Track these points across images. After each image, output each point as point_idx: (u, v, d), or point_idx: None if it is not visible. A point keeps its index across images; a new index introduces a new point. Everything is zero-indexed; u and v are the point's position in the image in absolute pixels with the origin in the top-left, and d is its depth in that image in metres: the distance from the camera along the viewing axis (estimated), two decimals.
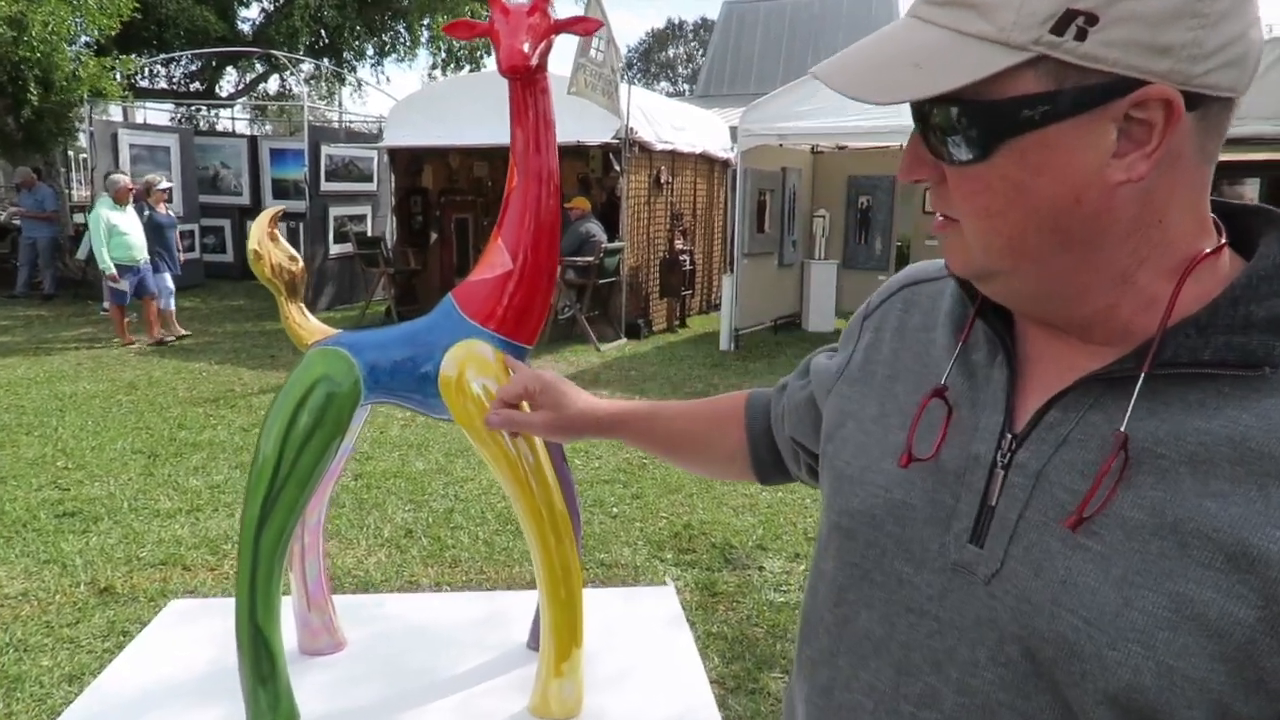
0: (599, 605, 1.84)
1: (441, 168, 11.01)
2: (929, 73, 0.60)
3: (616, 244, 8.97)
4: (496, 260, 1.50)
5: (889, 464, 0.73)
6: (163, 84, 17.06)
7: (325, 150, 10.85)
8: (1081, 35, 0.56)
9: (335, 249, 11.07)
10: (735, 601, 3.49)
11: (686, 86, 41.95)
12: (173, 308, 8.90)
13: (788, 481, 1.04)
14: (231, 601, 1.49)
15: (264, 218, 1.65)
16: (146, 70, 15.63)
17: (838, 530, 0.76)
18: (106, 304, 9.75)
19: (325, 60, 16.61)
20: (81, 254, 11.50)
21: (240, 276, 12.88)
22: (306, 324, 1.64)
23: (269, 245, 1.59)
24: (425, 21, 16.29)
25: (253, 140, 13.66)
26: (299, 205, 10.97)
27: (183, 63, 16.18)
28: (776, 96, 8.33)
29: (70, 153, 15.12)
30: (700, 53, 40.61)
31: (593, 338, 8.76)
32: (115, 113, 14.02)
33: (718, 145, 10.91)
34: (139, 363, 7.88)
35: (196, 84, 17.23)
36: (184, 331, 8.86)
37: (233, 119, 17.51)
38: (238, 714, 1.55)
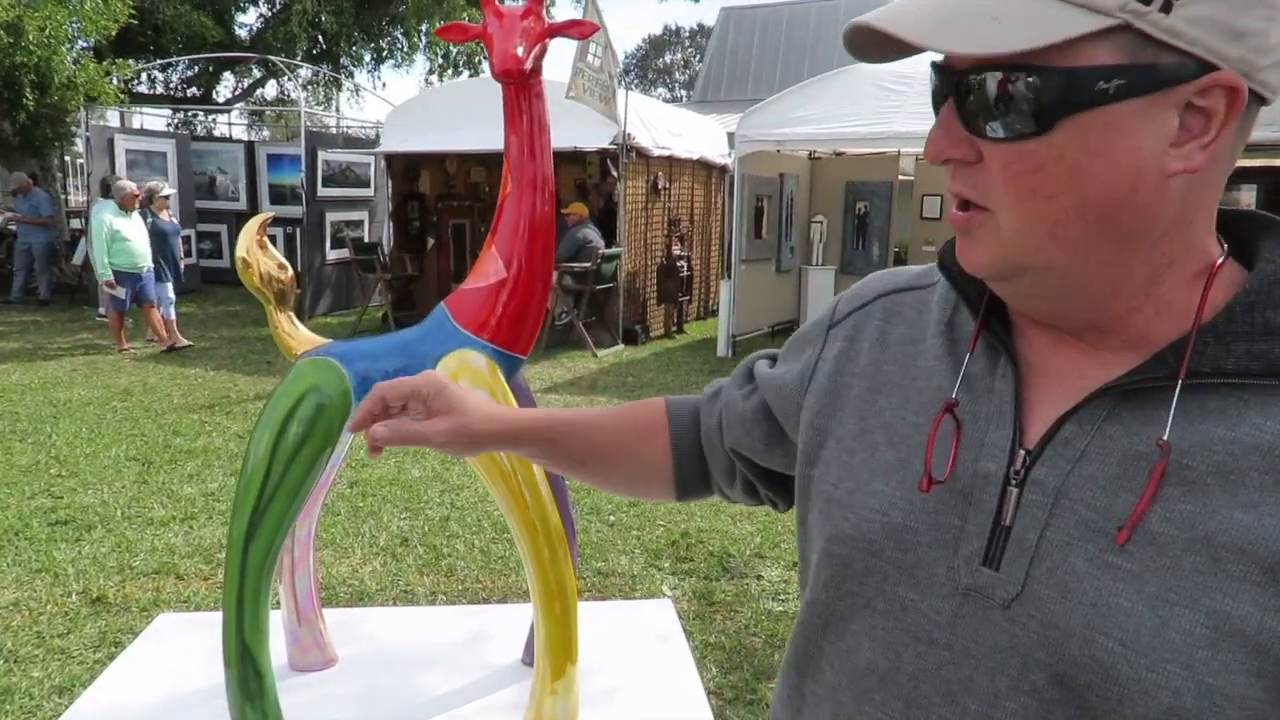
0: (596, 619, 1.81)
1: (438, 173, 10.99)
2: (1007, 29, 0.55)
3: (614, 250, 8.95)
4: (490, 268, 1.47)
5: (880, 485, 0.69)
6: (160, 89, 17.04)
7: (322, 156, 10.83)
8: (1167, 7, 0.53)
9: (332, 255, 11.04)
10: (733, 611, 3.46)
11: (684, 92, 42.01)
12: (174, 316, 8.85)
13: (706, 497, 0.96)
14: (218, 615, 1.45)
15: (252, 225, 1.62)
16: (144, 75, 15.61)
17: (830, 558, 0.71)
18: (102, 309, 9.71)
19: (323, 66, 16.60)
20: (77, 259, 11.46)
21: (237, 282, 12.81)
22: (296, 333, 1.61)
23: (258, 253, 1.56)
24: (422, 27, 16.28)
25: (250, 146, 13.63)
26: (296, 211, 10.95)
27: (180, 68, 16.17)
28: (774, 102, 8.32)
29: (67, 158, 15.11)
30: (697, 59, 40.68)
31: (590, 343, 8.73)
32: (112, 118, 13.99)
33: (715, 151, 10.91)
34: (134, 369, 7.84)
35: (194, 89, 17.21)
36: (187, 341, 8.80)
37: (230, 124, 17.47)
38: None
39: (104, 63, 11.02)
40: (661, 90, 44.90)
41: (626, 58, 45.33)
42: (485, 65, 16.37)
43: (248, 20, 17.31)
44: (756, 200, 9.23)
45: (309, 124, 11.89)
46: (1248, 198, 9.03)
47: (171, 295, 8.87)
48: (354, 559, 3.93)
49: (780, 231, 9.84)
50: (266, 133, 20.58)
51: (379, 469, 5.13)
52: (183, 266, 9.36)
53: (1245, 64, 0.54)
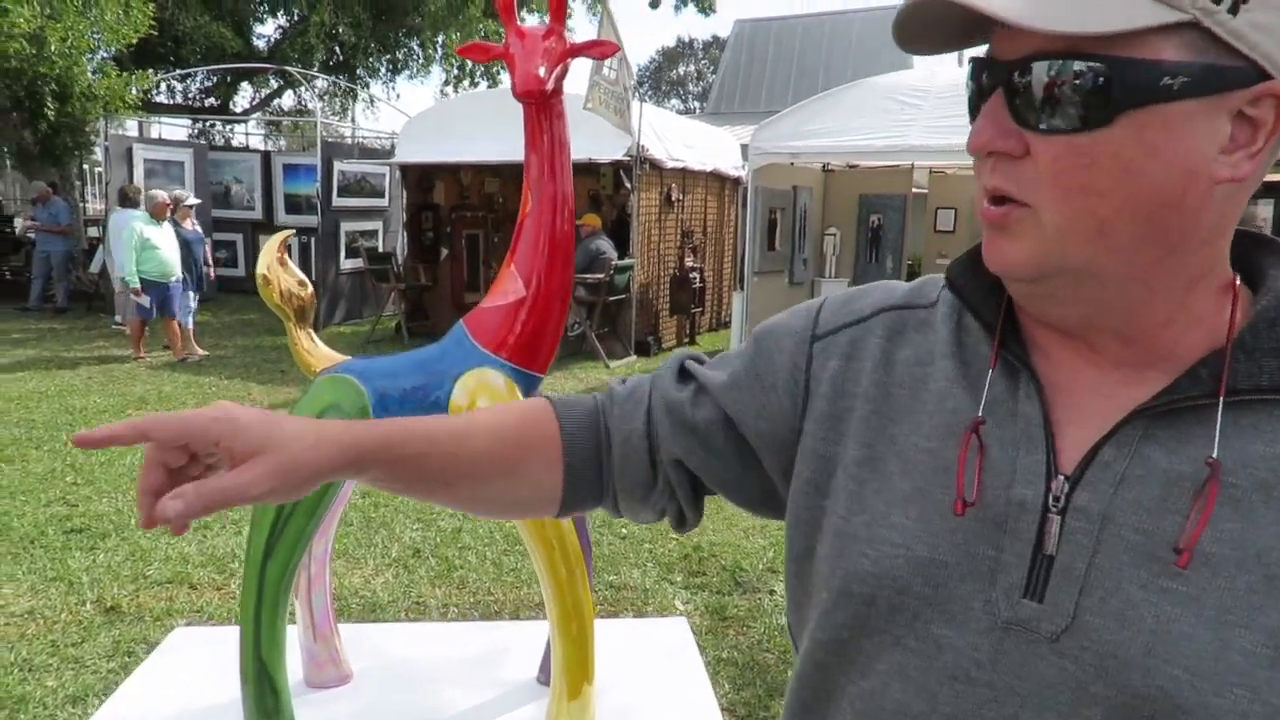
0: (611, 636, 1.80)
1: (453, 184, 11.04)
2: (1084, 9, 0.53)
3: (627, 261, 8.97)
4: (509, 287, 1.48)
5: (899, 517, 0.65)
6: (178, 99, 17.21)
7: (338, 166, 10.90)
8: (1234, 9, 0.53)
9: (347, 264, 11.10)
10: (746, 626, 3.44)
11: (697, 104, 42.12)
12: (191, 325, 8.90)
13: (588, 511, 0.82)
14: (236, 629, 1.46)
15: (273, 242, 1.63)
16: (162, 85, 15.77)
17: (849, 597, 0.66)
18: (119, 317, 9.78)
19: (339, 76, 16.73)
20: (95, 267, 11.56)
21: (252, 290, 12.89)
22: (315, 350, 1.61)
23: (278, 270, 1.57)
24: (438, 39, 16.40)
25: (266, 155, 13.74)
26: (311, 220, 11.01)
27: (198, 78, 16.32)
28: (788, 115, 8.33)
29: (85, 166, 15.25)
30: (710, 71, 40.80)
31: (602, 355, 8.73)
32: (131, 127, 14.14)
33: (729, 163, 10.92)
34: (149, 377, 7.90)
35: (212, 99, 17.37)
36: (203, 352, 8.84)
37: (246, 134, 17.63)
38: None
39: (124, 74, 11.14)
40: (675, 102, 45.04)
41: (640, 69, 45.51)
42: (501, 76, 16.49)
43: (266, 31, 17.50)
44: (770, 212, 9.23)
45: (325, 134, 11.98)
46: (1265, 213, 8.97)
47: (192, 304, 8.92)
48: (366, 570, 3.93)
49: (793, 244, 9.84)
50: (283, 142, 20.74)
51: None
52: (211, 274, 9.44)
53: None
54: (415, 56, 17.39)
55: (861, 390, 0.70)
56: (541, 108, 1.43)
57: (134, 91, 11.25)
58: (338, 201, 10.92)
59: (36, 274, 11.81)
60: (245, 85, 17.90)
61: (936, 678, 0.63)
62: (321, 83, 16.29)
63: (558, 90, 1.43)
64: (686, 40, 46.75)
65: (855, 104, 7.97)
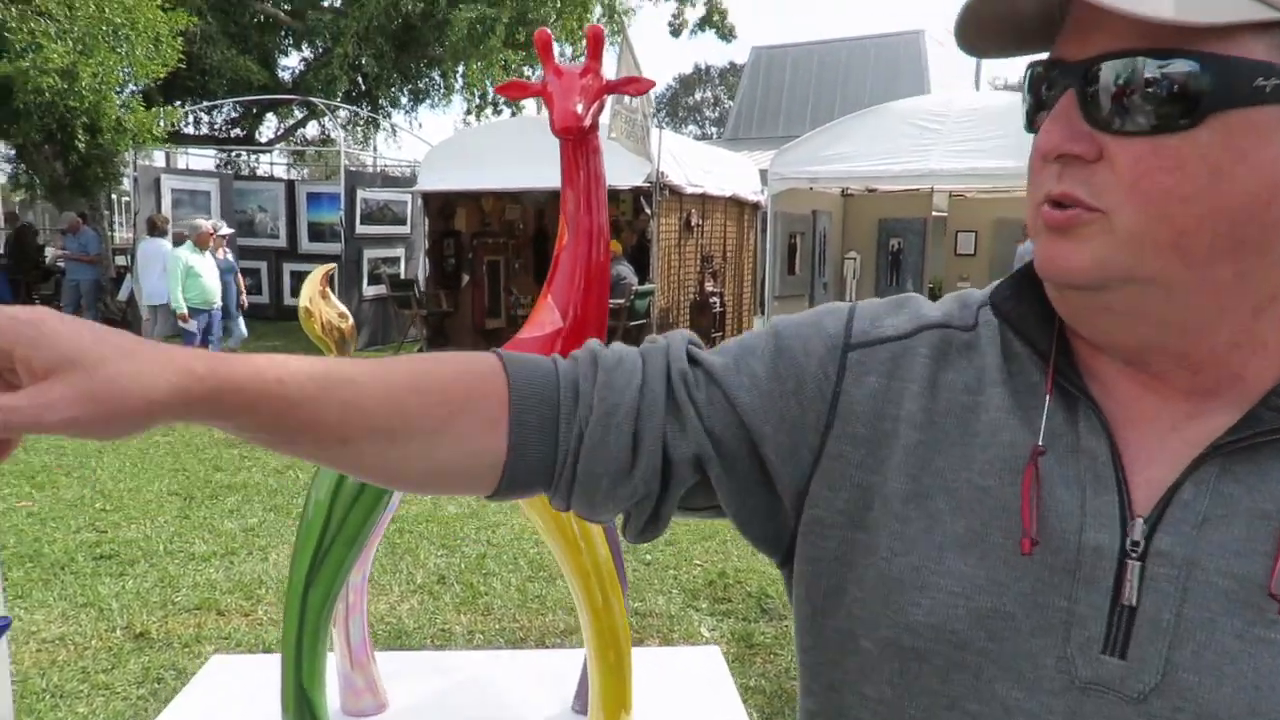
0: (644, 665, 1.80)
1: (474, 211, 11.16)
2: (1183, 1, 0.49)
3: (647, 286, 9.01)
4: (546, 318, 1.50)
5: (954, 561, 0.58)
6: (205, 130, 17.54)
7: (361, 194, 11.05)
8: None
9: (369, 291, 11.22)
10: (773, 654, 3.42)
11: (714, 130, 42.40)
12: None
13: (532, 495, 0.67)
14: (273, 657, 1.47)
15: (316, 275, 1.66)
16: (189, 116, 16.07)
17: (897, 651, 0.59)
18: None
19: (362, 106, 16.99)
20: (123, 295, 11.74)
21: (276, 317, 13.08)
22: None
23: (320, 303, 1.60)
24: (459, 68, 16.64)
25: (290, 185, 13.94)
26: (334, 248, 11.15)
27: (225, 110, 16.63)
28: (807, 140, 8.38)
29: (114, 196, 15.53)
30: (727, 97, 41.10)
31: None
32: (158, 158, 14.39)
33: (748, 188, 10.98)
34: None
35: (237, 130, 17.69)
36: None
37: (271, 164, 17.91)
38: None
39: (153, 107, 11.37)
40: (692, 128, 45.37)
41: (657, 96, 45.91)
42: (523, 105, 16.71)
43: (290, 63, 17.80)
44: (790, 237, 9.27)
45: (348, 163, 12.16)
46: None
47: (243, 331, 9.20)
48: (392, 596, 3.94)
49: (813, 268, 9.86)
50: (306, 171, 21.05)
51: (416, 505, 5.16)
52: (245, 303, 9.64)
53: None
54: (436, 86, 17.65)
55: (905, 415, 0.62)
56: (579, 144, 1.46)
57: (162, 124, 11.47)
58: (361, 229, 11.05)
59: (66, 302, 12.01)
60: (270, 116, 18.23)
61: None
62: (344, 113, 16.55)
63: (594, 126, 1.46)
64: (704, 67, 47.14)
65: (874, 128, 8.01)
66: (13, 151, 12.89)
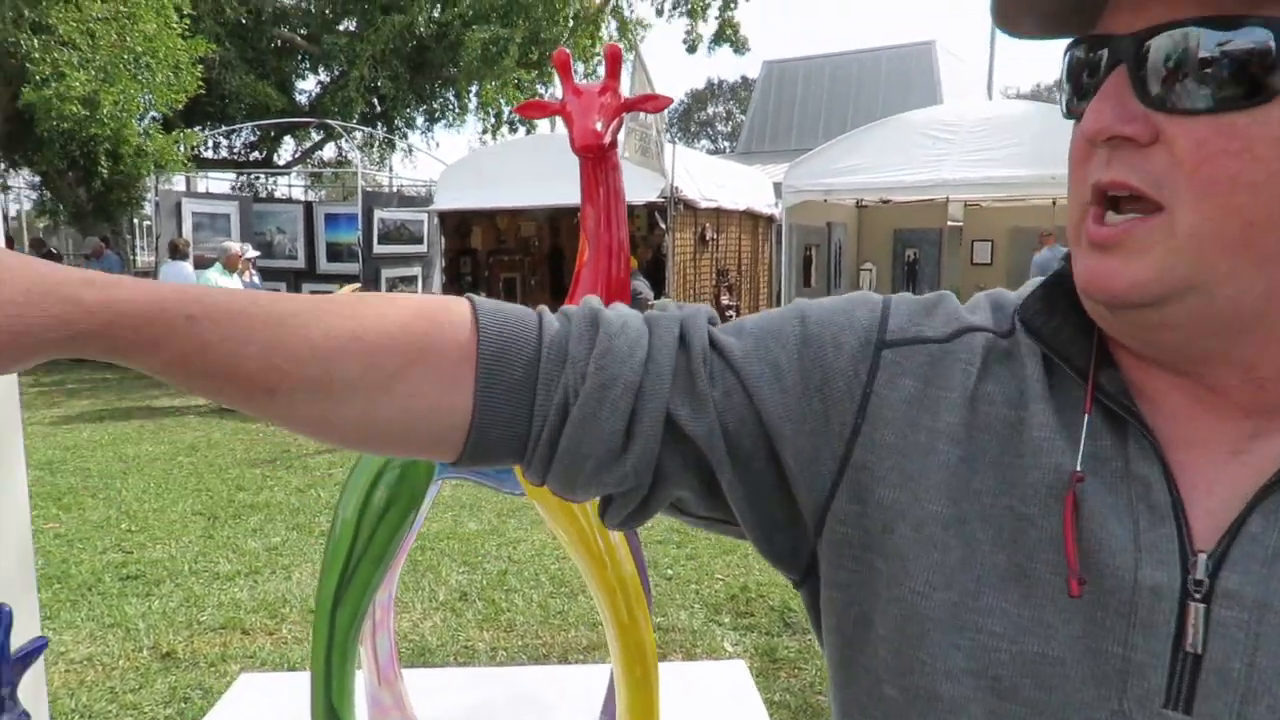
0: (669, 680, 1.80)
1: (490, 229, 11.25)
2: None
3: (662, 300, 9.02)
4: None
5: (994, 598, 0.51)
6: (224, 153, 17.79)
7: (378, 214, 11.17)
8: None
9: None
10: (797, 669, 3.40)
11: (726, 144, 42.54)
12: None
13: (502, 465, 0.59)
14: (300, 676, 1.49)
15: (346, 292, 1.69)
16: (209, 141, 16.32)
17: (932, 701, 0.52)
18: None
19: (378, 127, 17.19)
20: None
21: None
22: None
23: None
24: (472, 88, 16.81)
25: (308, 206, 14.09)
26: (352, 268, 11.26)
27: (243, 134, 16.86)
28: (820, 152, 8.40)
29: (135, 221, 15.77)
30: (739, 111, 41.23)
31: None
32: (179, 182, 14.60)
33: (762, 201, 11.01)
34: (199, 424, 8.07)
35: (256, 153, 17.93)
36: None
37: (289, 186, 18.12)
38: None
39: (173, 131, 11.56)
40: (704, 142, 45.53)
41: (670, 111, 46.06)
42: (536, 124, 16.86)
43: (307, 87, 18.05)
44: (805, 249, 9.28)
45: (364, 184, 12.28)
46: None
47: None
48: (414, 614, 3.95)
49: (829, 279, 9.85)
50: (324, 193, 21.28)
51: (437, 522, 5.17)
52: None
53: None
54: (451, 106, 17.84)
55: (944, 428, 0.55)
56: (598, 161, 1.48)
57: (182, 149, 11.66)
58: (378, 249, 11.16)
59: None
60: (288, 139, 18.48)
61: None
62: (361, 134, 16.75)
63: (614, 143, 1.48)
64: (716, 81, 47.36)
65: (887, 140, 8.02)
66: (37, 179, 13.11)
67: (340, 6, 16.16)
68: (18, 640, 0.94)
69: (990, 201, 10.28)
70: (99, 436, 7.53)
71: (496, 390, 0.55)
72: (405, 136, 18.05)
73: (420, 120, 18.09)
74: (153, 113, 12.22)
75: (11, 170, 13.24)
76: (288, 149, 19.15)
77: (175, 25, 11.37)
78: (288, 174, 18.10)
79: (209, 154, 16.82)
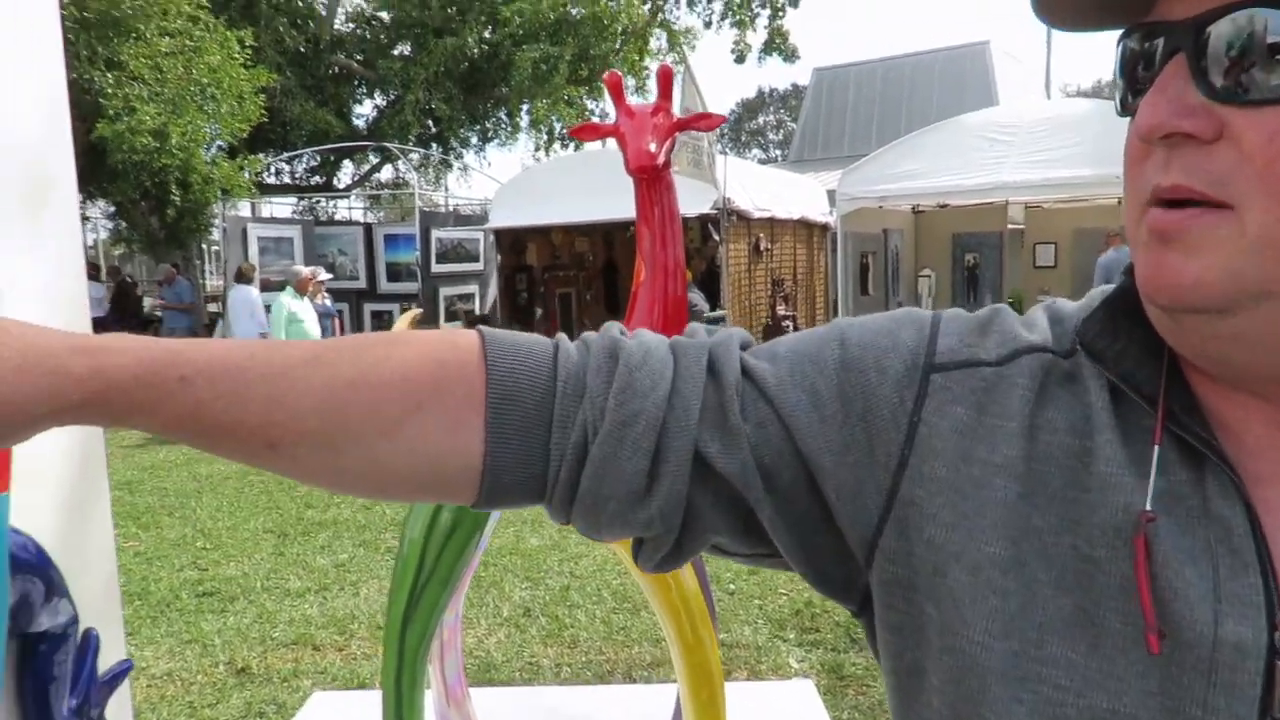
0: (736, 700, 1.78)
1: (544, 245, 11.37)
2: None
3: (718, 313, 9.00)
4: None
5: (1058, 648, 0.47)
6: (286, 179, 18.34)
7: (435, 234, 11.38)
8: None
9: (446, 327, 11.50)
10: (865, 686, 3.34)
11: (778, 153, 42.34)
12: None
13: (522, 507, 0.56)
14: (370, 694, 1.51)
15: (404, 320, 1.72)
16: (271, 167, 16.84)
17: None
18: None
19: (433, 148, 17.55)
20: None
21: None
22: None
23: None
24: (524, 106, 17.05)
25: (368, 227, 14.44)
26: (411, 287, 11.47)
27: (304, 159, 17.36)
28: (875, 158, 8.31)
29: (204, 246, 16.33)
30: (790, 119, 41.03)
31: None
32: (244, 208, 15.09)
33: (816, 210, 10.93)
34: None
35: (316, 177, 18.44)
36: None
37: (349, 208, 18.59)
38: None
39: (237, 159, 11.98)
40: (756, 151, 45.40)
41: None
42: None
43: (364, 111, 18.53)
44: (861, 256, 9.18)
45: (421, 204, 12.53)
46: None
47: None
48: (479, 630, 3.99)
49: (887, 287, 9.72)
50: (382, 214, 21.79)
51: (498, 538, 5.23)
52: None
53: None
54: (503, 125, 18.12)
55: (1001, 461, 0.49)
56: (653, 182, 1.49)
57: (247, 175, 12.06)
58: (436, 268, 11.36)
59: None
60: (347, 162, 18.97)
61: None
62: (417, 155, 17.11)
63: (667, 163, 1.48)
64: (766, 90, 47.23)
65: (944, 143, 7.91)
66: (112, 209, 13.68)
67: (394, 31, 16.58)
68: (105, 662, 0.98)
69: (1052, 203, 10.03)
70: (174, 457, 7.79)
71: (508, 430, 0.51)
72: (460, 156, 18.40)
73: (474, 140, 18.42)
74: (218, 142, 12.66)
75: (88, 201, 13.85)
76: (347, 172, 19.66)
77: (238, 56, 11.79)
78: (347, 197, 18.57)
79: (271, 180, 17.37)
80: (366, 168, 19.56)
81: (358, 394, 0.50)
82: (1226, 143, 0.43)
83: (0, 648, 0.75)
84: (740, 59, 18.32)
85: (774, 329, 9.74)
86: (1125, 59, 0.48)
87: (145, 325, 14.40)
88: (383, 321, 11.99)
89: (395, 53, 16.68)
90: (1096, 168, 7.02)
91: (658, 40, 17.67)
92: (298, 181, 18.49)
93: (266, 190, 16.12)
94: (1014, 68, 18.68)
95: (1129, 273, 0.50)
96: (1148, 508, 0.45)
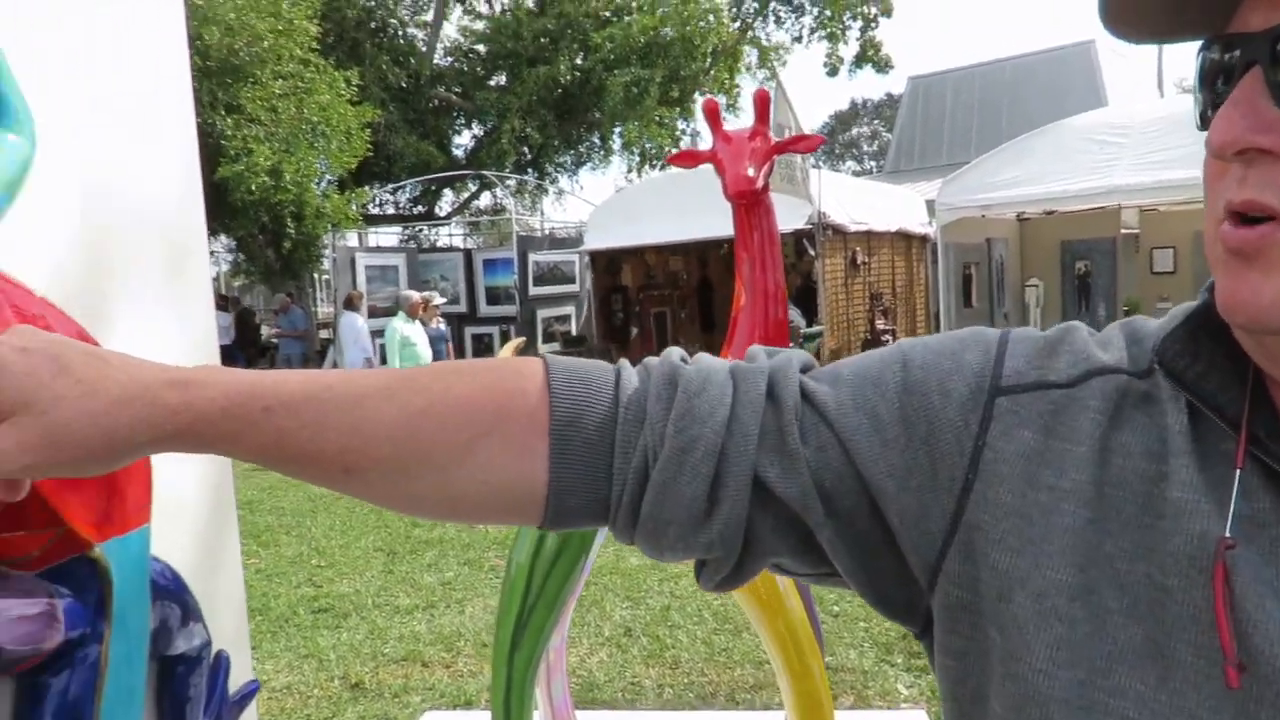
0: None
1: (639, 265, 11.47)
2: None
3: (815, 329, 8.88)
4: None
5: (1127, 678, 0.45)
6: (390, 209, 19.11)
7: (532, 257, 11.64)
8: None
9: (543, 349, 11.73)
10: None
11: (872, 164, 41.62)
12: None
13: (587, 527, 0.57)
14: (479, 715, 1.54)
15: (509, 349, 1.77)
16: (377, 198, 17.57)
17: None
18: None
19: (529, 174, 17.98)
20: (327, 366, 12.89)
21: None
22: None
23: None
24: (617, 129, 17.30)
25: (468, 253, 14.88)
26: (510, 310, 11.74)
27: (407, 189, 18.05)
28: (976, 166, 8.07)
29: (316, 276, 17.14)
30: (885, 129, 40.29)
31: None
32: (352, 238, 15.78)
33: (914, 221, 10.68)
34: None
35: (419, 206, 19.14)
36: None
37: (450, 235, 19.20)
38: None
39: (345, 192, 12.56)
40: (850, 163, 44.74)
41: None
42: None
43: (463, 141, 19.16)
44: (963, 268, 8.90)
45: (518, 229, 12.84)
46: None
47: None
48: (581, 649, 4.02)
49: (992, 299, 9.39)
50: (481, 240, 22.44)
51: (599, 557, 5.24)
52: None
53: None
54: (596, 149, 18.43)
55: (1070, 487, 0.48)
56: (752, 207, 1.48)
57: (354, 207, 12.64)
58: (533, 290, 11.61)
59: None
60: (447, 191, 19.64)
61: None
62: (513, 182, 17.56)
63: (766, 188, 1.48)
64: (860, 101, 46.56)
65: (1049, 148, 7.62)
66: (233, 243, 14.51)
67: (490, 63, 17.10)
68: (234, 682, 1.03)
69: (1169, 206, 9.51)
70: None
71: (570, 456, 0.53)
72: (555, 181, 18.77)
73: (568, 164, 18.79)
74: (328, 176, 13.30)
75: (211, 237, 14.79)
76: (447, 200, 20.33)
77: (345, 94, 12.38)
78: (448, 224, 19.19)
79: (376, 210, 18.11)
80: (466, 195, 20.19)
81: (428, 422, 0.53)
82: None
83: (143, 670, 0.80)
84: (833, 72, 18.14)
85: (873, 343, 9.55)
86: (1204, 71, 0.46)
87: (263, 352, 15.19)
88: (483, 344, 12.29)
89: (491, 84, 17.21)
90: None
91: (748, 58, 17.67)
92: (401, 211, 19.22)
93: (372, 221, 16.83)
94: (1123, 65, 17.86)
95: (1211, 290, 0.48)
96: (1227, 534, 0.44)
